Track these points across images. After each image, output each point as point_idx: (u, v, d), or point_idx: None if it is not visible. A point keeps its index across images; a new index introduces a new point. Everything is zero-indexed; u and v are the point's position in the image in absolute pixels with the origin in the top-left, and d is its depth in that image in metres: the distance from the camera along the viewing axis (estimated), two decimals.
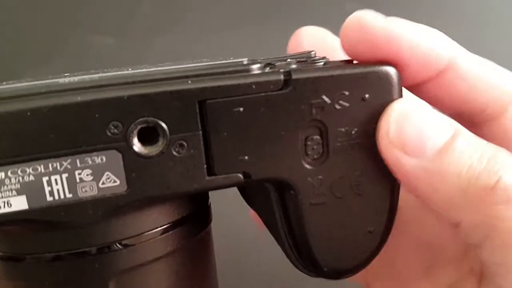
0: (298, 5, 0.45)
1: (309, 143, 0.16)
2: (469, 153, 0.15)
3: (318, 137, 0.16)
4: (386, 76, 0.16)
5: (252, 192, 0.21)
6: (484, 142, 0.15)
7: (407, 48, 0.16)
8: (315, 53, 0.19)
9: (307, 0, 0.45)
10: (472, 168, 0.14)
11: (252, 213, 0.25)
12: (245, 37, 0.43)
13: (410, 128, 0.15)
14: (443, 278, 0.20)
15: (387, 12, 0.17)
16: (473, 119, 0.18)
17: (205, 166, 0.15)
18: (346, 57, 0.18)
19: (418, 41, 0.16)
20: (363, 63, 0.17)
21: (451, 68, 0.17)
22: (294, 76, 0.15)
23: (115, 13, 0.45)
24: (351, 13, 0.17)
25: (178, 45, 0.44)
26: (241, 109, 0.15)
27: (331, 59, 0.18)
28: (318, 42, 0.21)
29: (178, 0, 0.45)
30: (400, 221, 0.20)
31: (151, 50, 0.44)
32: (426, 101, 0.18)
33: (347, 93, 0.16)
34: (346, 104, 0.16)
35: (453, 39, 0.17)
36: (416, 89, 0.18)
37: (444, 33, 0.17)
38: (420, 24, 0.16)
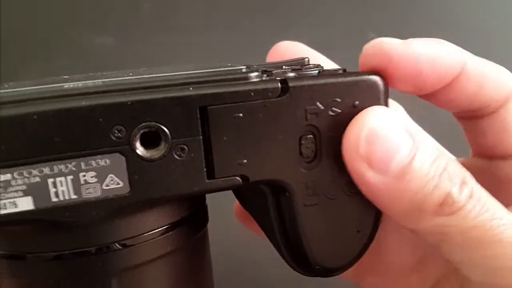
0: (297, 6, 0.45)
1: (303, 147, 0.17)
2: (425, 170, 0.16)
3: (312, 141, 0.17)
4: (374, 84, 0.17)
5: (247, 195, 0.22)
6: (438, 153, 0.16)
7: (428, 65, 0.17)
8: (308, 60, 0.19)
9: (306, 3, 0.45)
10: (426, 186, 0.16)
11: (238, 215, 0.26)
12: (245, 38, 0.44)
13: (379, 147, 0.16)
14: (432, 271, 0.21)
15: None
16: (476, 113, 0.19)
17: (204, 169, 0.16)
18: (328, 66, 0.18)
19: (436, 55, 0.17)
20: (355, 72, 0.17)
21: (462, 74, 0.18)
22: (290, 84, 0.16)
23: (115, 13, 0.45)
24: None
25: (178, 45, 0.44)
26: (241, 114, 0.16)
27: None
28: (295, 54, 0.22)
29: (179, 1, 0.45)
30: (390, 219, 0.22)
31: (151, 50, 0.44)
32: (437, 104, 0.19)
33: (339, 100, 0.16)
34: (338, 110, 0.17)
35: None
36: (430, 96, 0.19)
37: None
38: (429, 38, 0.18)
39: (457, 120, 0.21)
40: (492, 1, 0.46)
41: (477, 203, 0.16)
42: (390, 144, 0.16)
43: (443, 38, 0.18)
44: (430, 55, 0.17)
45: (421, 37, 0.18)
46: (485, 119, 0.19)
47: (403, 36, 0.18)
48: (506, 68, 0.19)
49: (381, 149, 0.16)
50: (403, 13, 0.45)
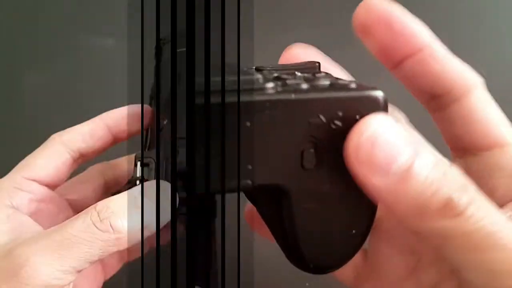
0: (304, 7, 0.46)
1: (305, 155, 0.18)
2: (424, 174, 0.16)
3: (313, 150, 0.18)
4: (375, 99, 0.18)
5: (255, 195, 0.23)
6: (437, 159, 0.17)
7: (399, 23, 0.19)
8: (319, 65, 0.20)
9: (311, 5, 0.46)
10: (426, 190, 0.16)
11: (247, 218, 0.27)
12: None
13: (378, 153, 0.16)
14: (425, 279, 0.22)
15: None
16: (440, 101, 0.20)
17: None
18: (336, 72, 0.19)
19: (407, 19, 0.19)
20: (360, 85, 0.18)
21: (428, 48, 0.19)
22: (296, 97, 0.17)
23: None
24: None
25: None
26: (248, 123, 0.17)
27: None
28: (307, 58, 0.22)
29: None
30: (384, 229, 0.22)
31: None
32: (404, 80, 0.20)
33: (341, 113, 0.17)
34: (340, 124, 0.17)
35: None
36: (397, 67, 0.20)
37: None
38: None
39: (429, 112, 0.22)
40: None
41: (477, 210, 0.16)
42: (390, 148, 0.16)
43: (445, 40, 0.19)
44: (403, 18, 0.19)
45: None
46: (450, 109, 0.20)
47: None
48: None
49: (382, 153, 0.16)
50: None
